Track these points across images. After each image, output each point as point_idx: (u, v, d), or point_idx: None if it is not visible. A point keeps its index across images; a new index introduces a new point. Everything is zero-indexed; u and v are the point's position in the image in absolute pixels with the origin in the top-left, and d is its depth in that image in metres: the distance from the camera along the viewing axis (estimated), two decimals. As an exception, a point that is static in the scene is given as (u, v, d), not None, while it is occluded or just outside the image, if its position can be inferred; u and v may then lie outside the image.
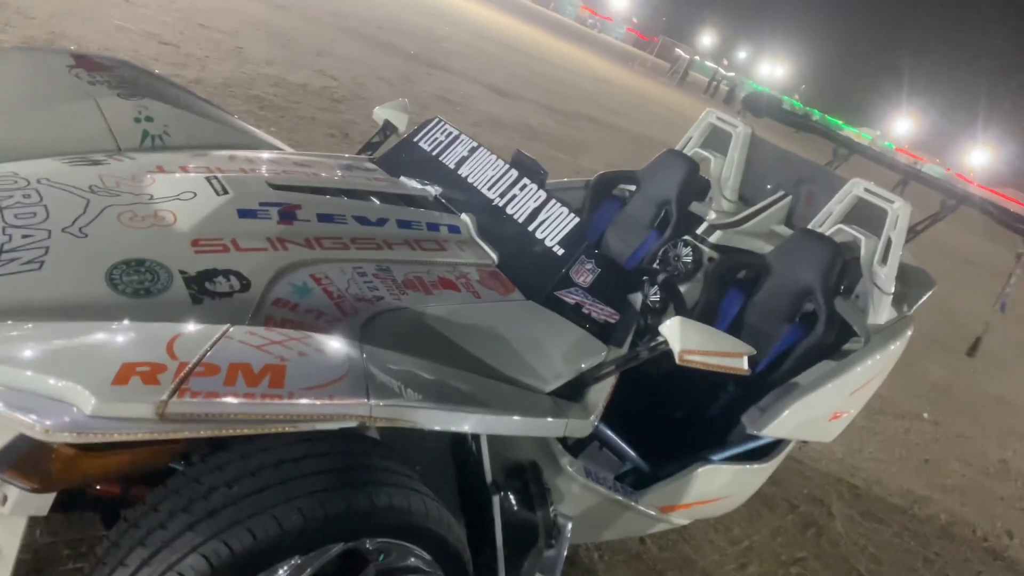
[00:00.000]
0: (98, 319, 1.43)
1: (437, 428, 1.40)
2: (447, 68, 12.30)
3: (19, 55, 2.62)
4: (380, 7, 17.07)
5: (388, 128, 2.88)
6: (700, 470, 2.34)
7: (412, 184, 2.41)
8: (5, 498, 1.17)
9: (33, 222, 1.64)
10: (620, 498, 2.15)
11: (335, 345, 1.39)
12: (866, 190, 3.00)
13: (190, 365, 1.17)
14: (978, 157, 77.03)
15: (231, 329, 1.29)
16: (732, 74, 48.61)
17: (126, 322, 1.43)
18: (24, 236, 1.59)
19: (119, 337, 1.31)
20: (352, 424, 1.28)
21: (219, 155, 2.28)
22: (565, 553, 1.89)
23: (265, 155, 2.41)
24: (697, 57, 49.17)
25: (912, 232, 3.15)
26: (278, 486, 1.25)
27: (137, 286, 1.56)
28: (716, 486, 2.45)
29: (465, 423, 1.47)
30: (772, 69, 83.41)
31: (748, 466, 2.51)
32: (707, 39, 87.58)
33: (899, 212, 2.85)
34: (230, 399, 1.16)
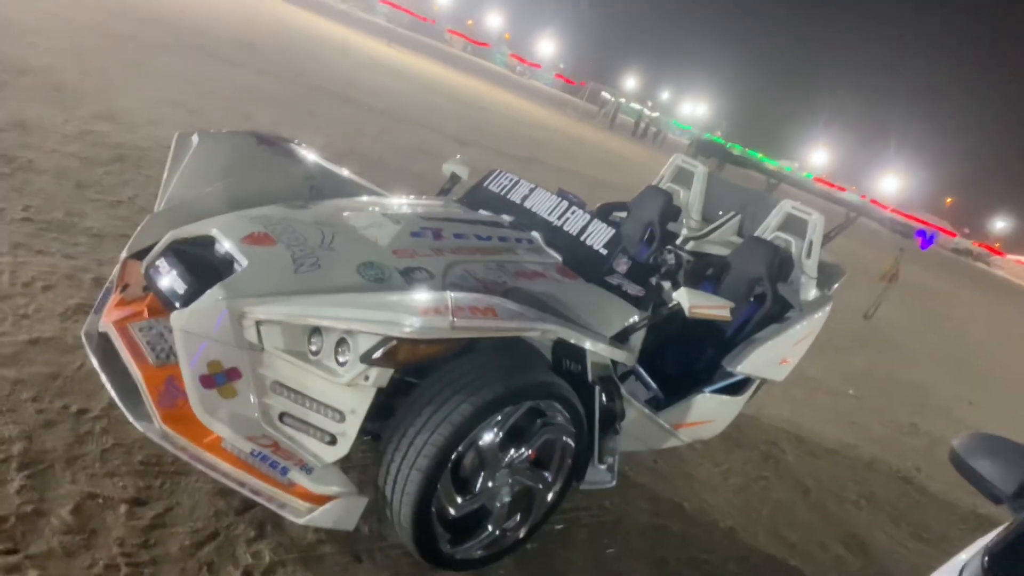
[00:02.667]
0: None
1: (567, 339, 2.50)
2: (413, 121, 13.49)
3: (216, 139, 3.29)
4: (336, 67, 18.21)
5: (454, 178, 4.00)
6: (697, 397, 3.48)
7: (488, 214, 3.52)
8: (368, 376, 2.22)
9: (302, 243, 2.69)
10: (648, 411, 3.26)
11: (507, 304, 2.49)
12: (793, 207, 4.24)
13: (452, 307, 2.25)
14: (890, 184, 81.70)
15: (455, 295, 2.36)
16: (656, 115, 50.84)
17: (402, 291, 2.50)
18: (301, 252, 2.64)
19: (407, 296, 2.38)
20: (534, 333, 2.38)
21: (378, 200, 3.35)
22: (622, 443, 2.99)
23: (401, 199, 3.48)
24: (623, 99, 51.33)
25: (827, 237, 4.37)
26: (498, 369, 2.35)
27: (375, 277, 2.62)
28: (706, 410, 3.58)
29: (573, 337, 2.56)
30: (694, 107, 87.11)
31: (728, 397, 3.65)
32: (631, 81, 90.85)
33: (816, 221, 4.09)
34: (480, 321, 2.24)
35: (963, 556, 1.60)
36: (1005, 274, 52.76)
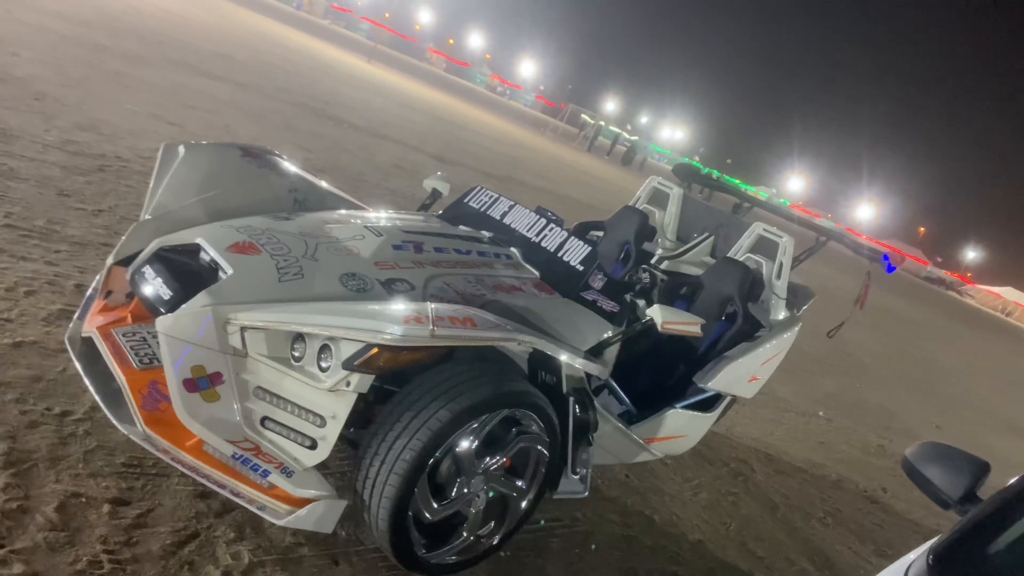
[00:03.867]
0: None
1: (543, 350, 2.58)
2: (391, 138, 13.58)
3: (201, 150, 3.34)
4: (318, 82, 18.29)
5: (435, 194, 4.08)
6: (669, 412, 3.56)
7: (467, 230, 3.60)
8: (349, 382, 2.28)
9: (286, 253, 2.75)
10: (621, 425, 3.34)
11: (486, 315, 2.57)
12: (764, 229, 4.36)
13: (432, 317, 2.32)
14: (864, 212, 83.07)
15: (435, 305, 2.43)
16: (636, 138, 51.38)
17: (384, 301, 2.57)
18: (285, 261, 2.70)
19: (389, 305, 2.45)
20: (512, 343, 2.46)
21: (360, 214, 3.42)
22: (595, 455, 3.07)
23: (383, 213, 3.55)
24: (602, 122, 51.85)
25: (797, 260, 4.50)
26: (475, 378, 2.42)
27: (357, 287, 2.69)
28: (678, 425, 3.67)
29: (549, 349, 2.63)
30: (672, 132, 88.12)
31: (698, 413, 3.74)
32: (611, 105, 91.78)
33: (786, 244, 4.22)
34: (459, 331, 2.32)
35: (911, 556, 1.69)
36: (976, 303, 53.63)
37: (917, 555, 1.67)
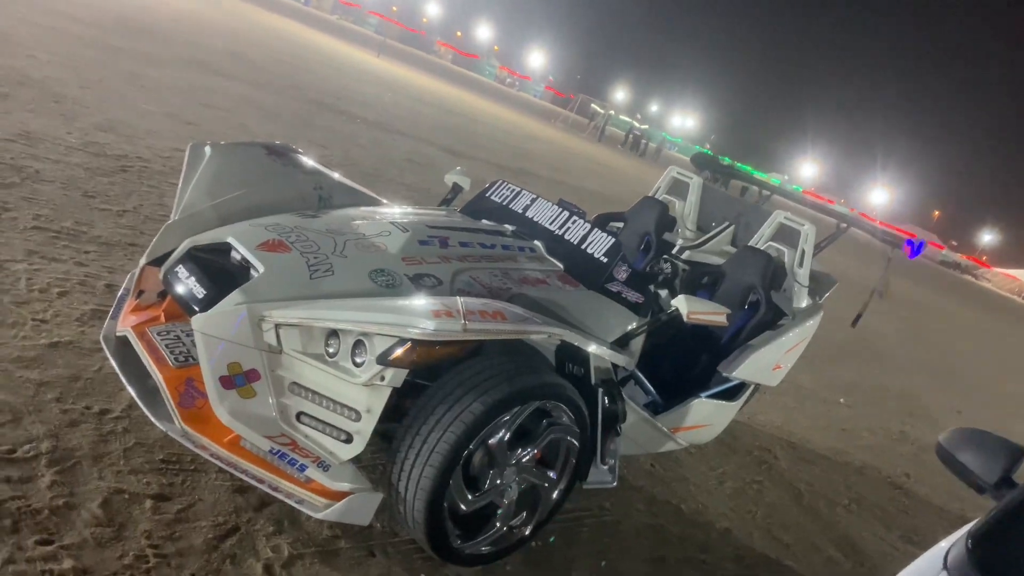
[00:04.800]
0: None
1: (571, 342, 2.60)
2: (404, 132, 13.61)
3: (227, 150, 3.39)
4: (328, 79, 18.35)
5: (456, 188, 4.10)
6: (694, 402, 3.58)
7: (491, 224, 3.62)
8: (383, 377, 2.32)
9: (316, 250, 2.78)
10: (647, 415, 3.36)
11: (514, 308, 2.59)
12: (786, 218, 4.36)
13: (463, 311, 2.35)
14: (878, 197, 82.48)
15: (465, 299, 2.46)
16: (646, 126, 51.24)
17: (413, 296, 2.60)
18: (315, 258, 2.73)
19: (419, 300, 2.48)
20: (541, 336, 2.49)
21: (384, 210, 3.45)
22: (623, 445, 3.09)
23: (407, 208, 3.59)
24: (612, 111, 51.68)
25: (818, 247, 4.50)
26: (506, 371, 2.45)
27: (386, 283, 2.72)
28: (703, 414, 3.69)
29: (577, 340, 2.65)
30: (683, 120, 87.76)
31: (723, 402, 3.76)
32: (620, 94, 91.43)
33: (808, 232, 4.22)
34: (490, 324, 2.35)
35: (943, 544, 1.71)
36: (992, 286, 53.18)
37: (952, 541, 1.69)
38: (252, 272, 2.61)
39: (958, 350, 15.00)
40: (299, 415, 2.43)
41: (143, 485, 2.38)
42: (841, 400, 7.03)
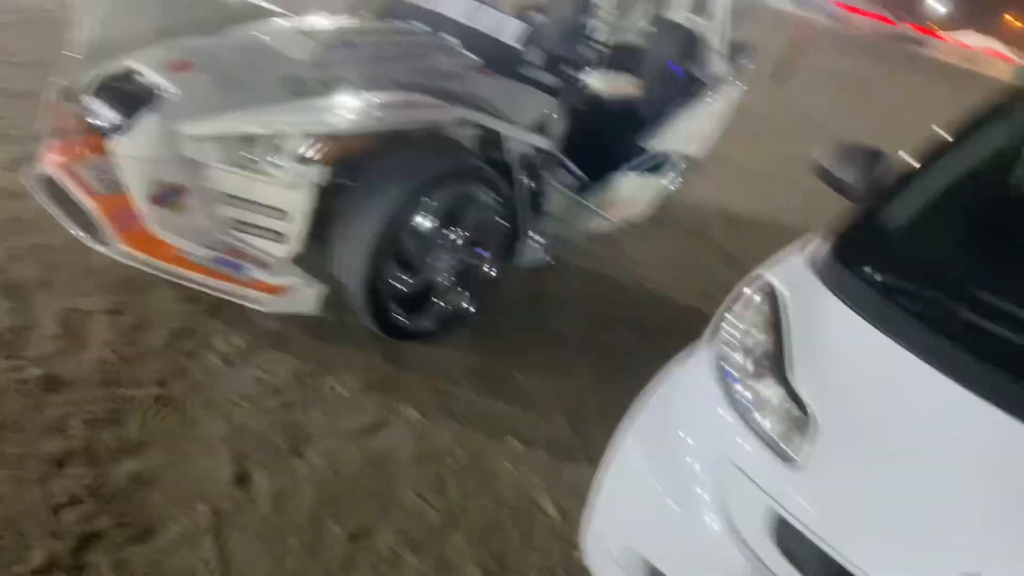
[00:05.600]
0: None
1: (482, 123, 2.71)
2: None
3: None
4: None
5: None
6: (618, 177, 3.73)
7: (401, 24, 3.59)
8: (305, 175, 2.41)
9: (224, 65, 2.76)
10: (571, 194, 3.52)
11: (425, 97, 2.66)
12: None
13: (373, 104, 2.42)
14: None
15: (375, 93, 2.53)
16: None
17: (325, 97, 2.65)
18: (224, 73, 2.73)
19: (331, 99, 2.54)
20: (454, 121, 2.59)
21: (291, 22, 3.38)
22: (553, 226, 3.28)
23: (314, 17, 3.51)
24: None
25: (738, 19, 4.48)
26: (424, 159, 2.57)
27: (298, 89, 2.73)
28: (631, 190, 3.85)
29: (488, 121, 2.76)
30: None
31: (648, 176, 3.93)
32: None
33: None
34: (400, 112, 2.44)
35: (799, 241, 1.93)
36: (943, 57, 52.82)
37: (813, 242, 1.90)
38: (164, 93, 2.64)
39: (902, 123, 15.19)
40: (233, 223, 2.56)
41: (96, 304, 2.54)
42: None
